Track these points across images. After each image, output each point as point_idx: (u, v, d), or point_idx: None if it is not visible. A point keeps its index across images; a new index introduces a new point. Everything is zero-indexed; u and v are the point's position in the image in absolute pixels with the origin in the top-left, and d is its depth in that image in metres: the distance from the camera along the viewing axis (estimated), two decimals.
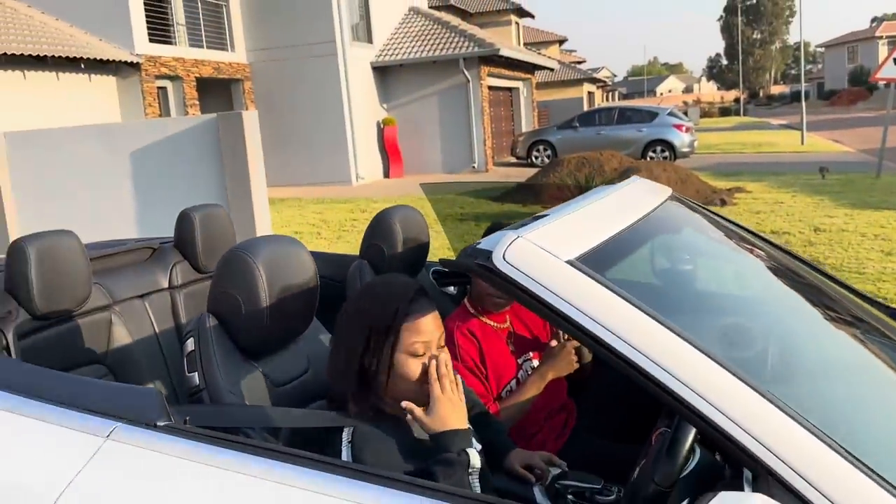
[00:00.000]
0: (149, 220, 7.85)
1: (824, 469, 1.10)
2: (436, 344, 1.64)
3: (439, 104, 19.26)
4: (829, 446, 1.13)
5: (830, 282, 2.25)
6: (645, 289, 1.61)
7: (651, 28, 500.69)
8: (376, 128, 18.98)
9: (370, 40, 19.16)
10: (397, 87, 19.45)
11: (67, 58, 13.04)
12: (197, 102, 16.25)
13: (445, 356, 1.64)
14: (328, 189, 16.70)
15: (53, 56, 12.74)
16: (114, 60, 14.10)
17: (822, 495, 1.07)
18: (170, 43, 15.97)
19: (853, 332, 1.97)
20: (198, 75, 16.33)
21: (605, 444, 2.44)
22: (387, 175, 19.17)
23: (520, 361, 2.47)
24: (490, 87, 20.29)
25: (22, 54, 12.22)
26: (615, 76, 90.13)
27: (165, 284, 2.74)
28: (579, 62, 48.57)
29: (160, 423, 1.50)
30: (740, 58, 64.80)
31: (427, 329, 1.61)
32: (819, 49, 77.77)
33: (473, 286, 2.43)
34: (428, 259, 2.80)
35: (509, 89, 23.83)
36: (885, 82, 15.35)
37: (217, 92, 17.65)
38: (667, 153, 18.74)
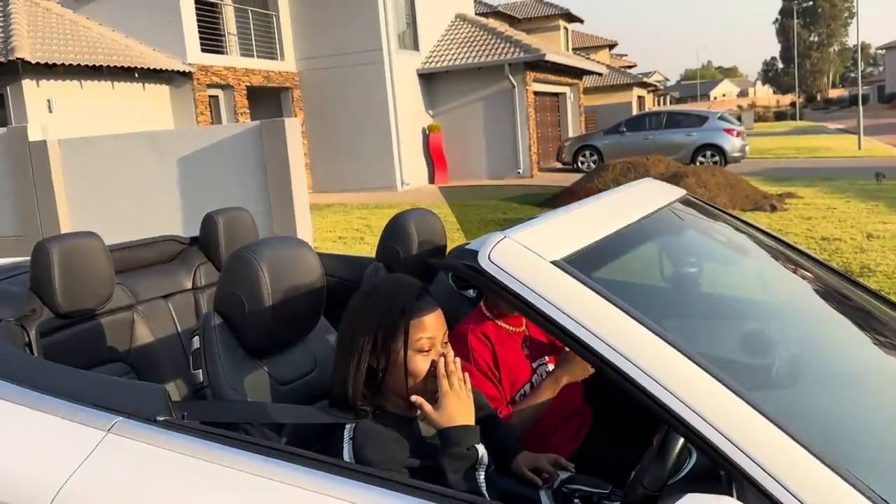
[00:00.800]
0: (194, 223, 8.01)
1: (801, 474, 1.07)
2: (440, 341, 1.67)
3: (484, 110, 19.28)
4: (810, 451, 1.10)
5: (852, 286, 2.19)
6: (638, 291, 1.59)
7: (705, 32, 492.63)
8: (422, 134, 19.09)
9: (416, 48, 19.30)
10: (443, 94, 19.54)
11: (122, 67, 13.46)
12: (247, 111, 16.59)
13: (451, 353, 1.67)
14: (374, 195, 16.85)
15: (109, 66, 13.16)
16: (167, 70, 14.50)
17: (798, 500, 1.05)
18: (221, 52, 16.34)
19: (869, 337, 1.91)
20: (248, 84, 16.67)
21: (620, 449, 2.40)
22: (432, 181, 19.26)
23: (535, 365, 2.45)
24: (536, 93, 20.22)
25: (79, 64, 12.64)
26: (667, 81, 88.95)
27: (189, 285, 2.80)
28: (630, 67, 48.06)
29: (160, 419, 1.53)
30: (796, 61, 63.28)
31: (432, 325, 1.64)
32: (880, 51, 75.37)
33: None
34: None
35: (556, 94, 23.72)
36: None
37: (267, 100, 17.99)
38: (717, 158, 18.39)
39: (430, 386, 1.63)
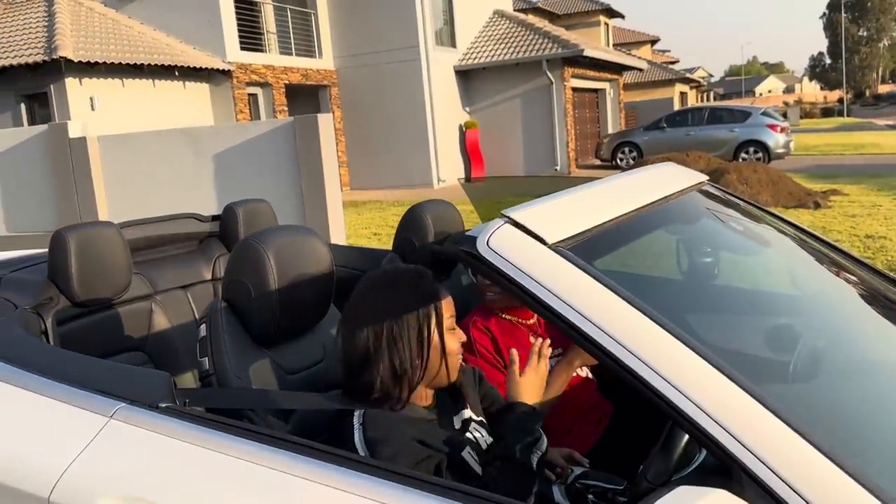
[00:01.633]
0: None
1: (804, 469, 1.01)
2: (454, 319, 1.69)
3: (522, 106, 19.17)
4: (816, 446, 1.04)
5: (887, 282, 2.10)
6: (643, 278, 1.54)
7: (750, 27, 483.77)
8: (458, 131, 19.06)
9: (454, 44, 19.27)
10: (480, 90, 19.48)
11: (163, 66, 13.67)
12: (286, 108, 16.74)
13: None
14: (410, 192, 16.87)
15: (150, 64, 13.38)
16: (207, 68, 14.69)
17: (798, 495, 0.99)
18: (260, 51, 16.51)
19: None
20: (287, 82, 16.82)
21: (640, 446, 2.35)
22: (468, 178, 19.22)
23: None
24: (574, 89, 20.04)
25: (121, 63, 12.88)
26: (711, 77, 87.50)
27: (209, 276, 2.82)
28: (672, 62, 47.36)
29: (162, 405, 1.53)
30: (844, 56, 61.74)
31: (451, 304, 1.67)
32: None
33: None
34: None
35: (595, 90, 23.48)
36: None
37: (305, 98, 18.13)
38: (760, 154, 18.00)
39: (456, 362, 1.66)
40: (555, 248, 1.31)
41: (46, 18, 13.58)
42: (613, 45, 33.44)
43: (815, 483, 0.99)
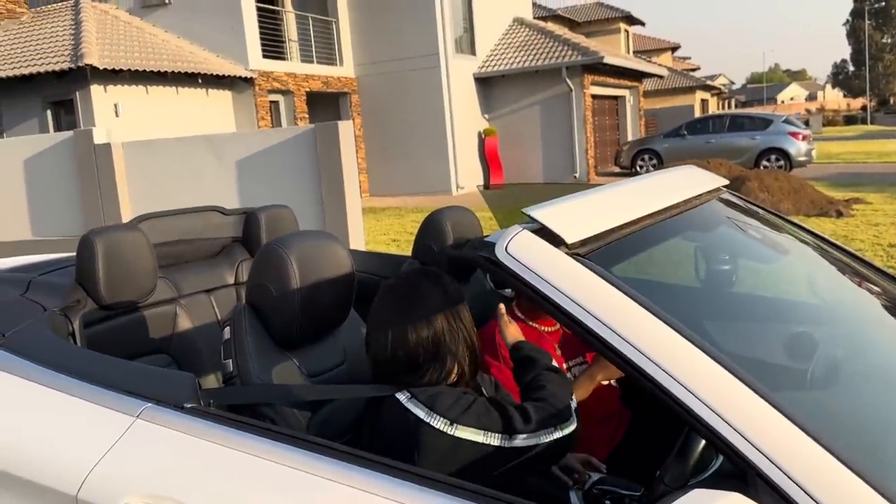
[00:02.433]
0: None
1: (818, 474, 1.02)
2: None
3: (541, 113, 19.17)
4: (831, 452, 1.05)
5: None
6: (661, 285, 1.55)
7: (772, 34, 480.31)
8: (477, 138, 19.10)
9: (473, 52, 19.33)
10: (499, 97, 19.52)
11: (186, 73, 13.84)
12: (307, 115, 16.86)
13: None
14: (429, 199, 16.92)
15: (173, 72, 13.55)
16: (229, 76, 14.84)
17: (813, 499, 1.00)
18: (282, 58, 16.66)
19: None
20: (308, 89, 16.95)
21: (657, 452, 2.35)
22: (487, 185, 19.24)
23: (569, 364, 2.42)
24: (594, 96, 20.01)
25: (145, 70, 13.05)
26: (733, 84, 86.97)
27: (231, 280, 2.86)
28: (693, 70, 47.17)
29: (187, 405, 1.57)
30: (867, 64, 61.11)
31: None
32: None
33: None
34: None
35: (615, 98, 23.43)
36: None
37: (326, 105, 18.26)
38: (782, 162, 17.86)
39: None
40: (572, 254, 1.33)
41: (73, 27, 13.80)
42: (634, 52, 33.36)
43: (830, 487, 1.00)
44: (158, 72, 13.34)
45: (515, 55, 19.45)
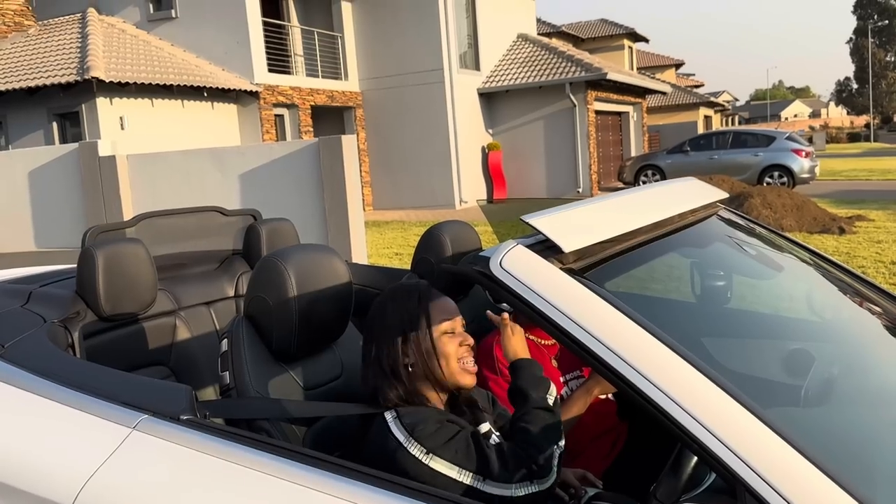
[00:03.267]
0: None
1: (805, 490, 1.03)
2: (460, 324, 1.75)
3: (545, 129, 19.24)
4: (821, 468, 1.06)
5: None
6: (657, 300, 1.56)
7: (776, 51, 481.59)
8: (481, 152, 19.16)
9: (477, 67, 19.43)
10: (503, 113, 19.59)
11: (192, 87, 13.92)
12: (311, 129, 16.94)
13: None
14: (433, 213, 16.95)
15: (179, 85, 13.63)
16: (235, 89, 14.93)
17: None
18: (287, 73, 16.76)
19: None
20: (312, 103, 17.04)
21: (653, 468, 2.35)
22: (490, 199, 19.28)
23: (566, 378, 2.43)
24: (597, 112, 20.08)
25: (151, 83, 13.13)
26: (736, 101, 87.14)
27: (231, 293, 2.87)
28: (697, 86, 47.28)
29: (184, 417, 1.57)
30: (871, 81, 61.25)
31: (450, 307, 1.74)
32: None
33: None
34: None
35: (618, 114, 23.51)
36: None
37: (330, 119, 18.34)
38: (785, 179, 17.87)
39: (466, 365, 1.71)
40: (567, 269, 1.34)
41: (80, 40, 13.90)
42: (637, 68, 33.48)
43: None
44: (164, 85, 13.42)
45: (519, 71, 19.55)
